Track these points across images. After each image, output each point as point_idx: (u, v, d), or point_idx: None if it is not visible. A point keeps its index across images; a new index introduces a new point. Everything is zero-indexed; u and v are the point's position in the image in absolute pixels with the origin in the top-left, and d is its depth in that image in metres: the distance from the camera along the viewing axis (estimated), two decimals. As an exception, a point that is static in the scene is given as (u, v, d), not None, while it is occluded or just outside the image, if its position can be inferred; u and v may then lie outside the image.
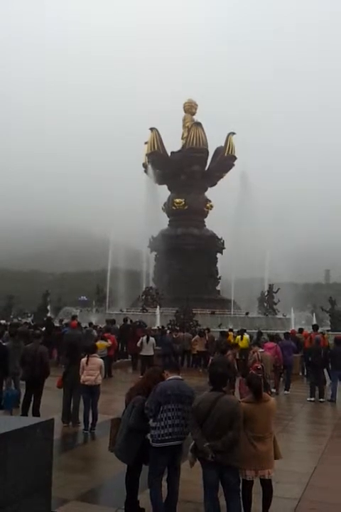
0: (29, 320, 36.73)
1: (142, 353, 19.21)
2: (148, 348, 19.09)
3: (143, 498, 5.95)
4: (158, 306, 35.53)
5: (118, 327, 23.54)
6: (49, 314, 37.59)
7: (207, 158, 45.37)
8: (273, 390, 15.51)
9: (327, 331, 28.17)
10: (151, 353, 19.13)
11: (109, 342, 18.27)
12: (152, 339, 19.43)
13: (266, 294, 40.29)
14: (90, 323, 23.37)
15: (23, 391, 11.16)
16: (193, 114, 47.16)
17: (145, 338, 19.29)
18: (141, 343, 19.22)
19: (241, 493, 5.46)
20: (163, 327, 26.09)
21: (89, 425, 10.29)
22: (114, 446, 6.07)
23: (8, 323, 23.69)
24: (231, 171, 45.61)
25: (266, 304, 39.99)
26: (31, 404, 10.73)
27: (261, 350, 13.49)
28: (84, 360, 10.49)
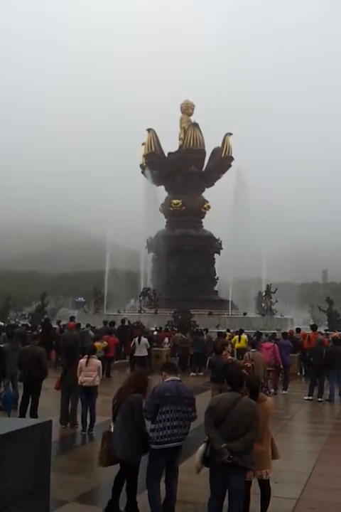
0: (26, 321, 36.59)
1: (135, 354, 19.28)
2: (141, 348, 19.15)
3: (142, 500, 5.94)
4: (156, 307, 35.46)
5: (116, 328, 23.54)
6: (46, 315, 37.48)
7: (204, 159, 45.33)
8: (272, 390, 15.56)
9: (325, 330, 28.13)
10: (144, 353, 19.17)
11: (105, 343, 18.24)
12: (144, 340, 19.45)
13: (263, 294, 40.25)
14: (87, 325, 23.35)
15: (20, 392, 11.14)
16: (190, 114, 47.09)
17: (136, 339, 19.35)
18: (133, 344, 19.27)
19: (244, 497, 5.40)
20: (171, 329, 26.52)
21: (87, 426, 10.27)
22: (103, 461, 6.05)
23: (6, 325, 23.65)
24: (228, 171, 45.59)
25: (263, 304, 39.92)
26: (29, 406, 10.71)
27: (253, 350, 13.59)
28: (83, 361, 10.45)
